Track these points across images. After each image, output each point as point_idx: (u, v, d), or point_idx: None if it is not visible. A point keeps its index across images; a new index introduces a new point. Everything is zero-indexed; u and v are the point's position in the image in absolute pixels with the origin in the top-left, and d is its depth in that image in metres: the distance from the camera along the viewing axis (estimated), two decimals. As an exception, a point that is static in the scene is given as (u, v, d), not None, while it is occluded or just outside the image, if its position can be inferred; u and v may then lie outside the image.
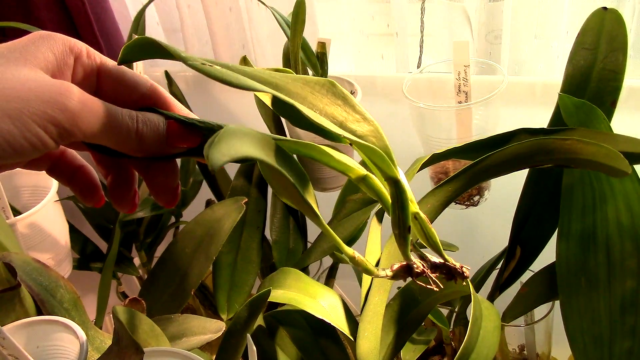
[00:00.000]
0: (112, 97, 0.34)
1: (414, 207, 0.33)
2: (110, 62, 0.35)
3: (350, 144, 0.33)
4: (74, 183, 0.37)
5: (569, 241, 0.50)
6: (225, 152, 0.23)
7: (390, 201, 0.32)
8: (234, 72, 0.30)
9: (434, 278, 0.33)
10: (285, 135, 0.73)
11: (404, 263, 0.33)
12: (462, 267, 0.34)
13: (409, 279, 0.35)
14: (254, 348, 0.29)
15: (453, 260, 0.34)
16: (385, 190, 0.33)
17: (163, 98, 0.35)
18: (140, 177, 0.37)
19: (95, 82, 0.34)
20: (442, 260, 0.34)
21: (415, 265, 0.33)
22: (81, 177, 0.37)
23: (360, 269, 0.33)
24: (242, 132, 0.25)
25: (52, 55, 0.32)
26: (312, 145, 0.31)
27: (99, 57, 0.34)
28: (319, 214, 0.29)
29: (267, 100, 0.38)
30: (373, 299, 0.48)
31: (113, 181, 0.36)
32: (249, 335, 0.31)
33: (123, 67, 0.35)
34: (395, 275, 0.33)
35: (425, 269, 0.33)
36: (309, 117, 0.30)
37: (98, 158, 0.37)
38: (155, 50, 0.31)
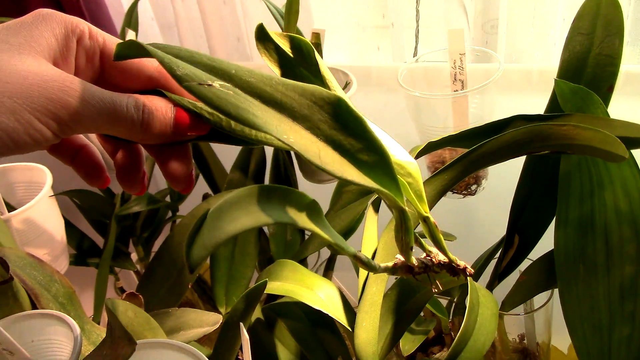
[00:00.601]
0: (117, 80, 0.33)
1: (425, 208, 0.33)
2: (115, 42, 0.34)
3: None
4: (77, 163, 0.36)
5: (567, 228, 0.49)
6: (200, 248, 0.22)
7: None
8: (236, 95, 0.28)
9: (433, 280, 0.33)
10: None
11: (404, 261, 0.34)
12: (465, 267, 0.34)
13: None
14: (247, 337, 0.29)
15: (457, 259, 0.34)
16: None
17: (170, 80, 0.34)
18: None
19: (99, 64, 0.34)
20: (446, 260, 0.34)
21: (416, 267, 0.33)
22: (84, 157, 0.36)
23: (362, 266, 0.33)
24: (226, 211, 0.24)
25: (54, 40, 0.31)
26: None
27: (102, 37, 0.33)
28: (323, 234, 0.29)
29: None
30: (370, 289, 0.48)
31: (121, 161, 0.36)
32: (241, 324, 0.30)
33: None
34: (395, 272, 0.33)
35: (426, 268, 0.33)
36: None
37: (104, 136, 0.36)
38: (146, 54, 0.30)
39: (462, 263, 0.35)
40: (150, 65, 0.34)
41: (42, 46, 0.31)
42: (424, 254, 0.36)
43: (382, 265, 0.34)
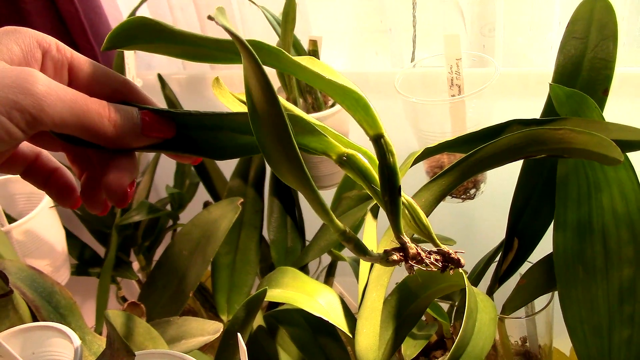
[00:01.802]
0: (84, 92, 0.33)
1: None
2: (82, 57, 0.34)
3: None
4: (49, 186, 0.36)
5: (566, 231, 0.49)
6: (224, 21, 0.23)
7: (375, 175, 0.31)
8: None
9: (430, 260, 0.31)
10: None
11: (398, 246, 0.32)
12: (455, 252, 0.33)
13: (404, 263, 0.32)
14: (244, 347, 0.29)
15: (446, 247, 0.32)
16: (369, 166, 0.31)
17: (136, 93, 0.35)
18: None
19: (67, 76, 0.34)
20: (445, 249, 0.32)
21: (409, 245, 0.31)
22: (57, 180, 0.36)
23: (351, 248, 0.31)
24: None
25: (17, 48, 0.31)
26: (298, 117, 0.30)
27: (70, 52, 0.34)
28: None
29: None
30: (370, 295, 0.48)
31: (86, 181, 0.36)
32: (239, 335, 0.31)
33: (94, 62, 0.34)
34: (389, 257, 0.31)
35: (419, 251, 0.31)
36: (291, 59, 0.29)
37: (72, 157, 0.36)
38: (149, 31, 0.30)
39: (450, 250, 0.33)
40: (115, 78, 0.34)
41: (3, 52, 0.30)
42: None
43: (375, 252, 0.33)
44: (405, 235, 0.31)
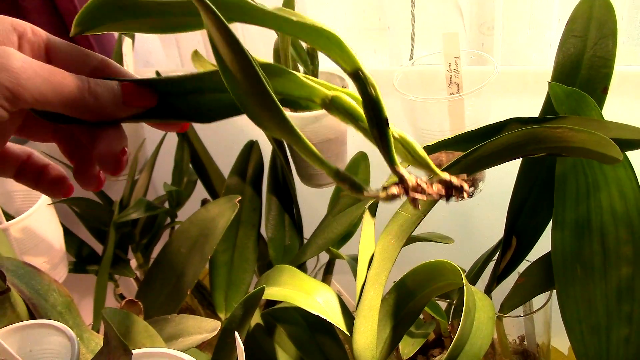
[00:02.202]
0: None
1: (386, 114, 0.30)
2: (59, 39, 0.34)
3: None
4: (41, 182, 0.36)
5: (564, 230, 0.49)
6: None
7: (361, 112, 0.30)
8: None
9: (432, 189, 0.29)
10: (282, 144, 0.73)
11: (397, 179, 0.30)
12: (458, 178, 0.30)
13: (405, 198, 0.30)
14: (242, 346, 0.29)
15: (446, 174, 0.30)
16: (355, 104, 0.31)
17: (116, 69, 0.34)
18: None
19: (45, 59, 0.33)
20: (446, 177, 0.30)
21: (407, 178, 0.29)
22: (48, 174, 0.36)
23: (347, 188, 0.30)
24: None
25: None
26: (275, 66, 0.29)
27: (45, 34, 0.33)
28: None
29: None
30: (368, 293, 0.48)
31: (78, 162, 0.36)
32: (236, 333, 0.30)
33: (72, 43, 0.34)
34: (389, 192, 0.29)
35: (419, 183, 0.29)
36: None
37: (64, 147, 0.36)
38: (113, 8, 0.30)
39: (454, 178, 0.30)
40: (93, 57, 0.34)
41: None
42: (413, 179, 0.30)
43: (372, 188, 0.30)
44: (401, 167, 0.29)
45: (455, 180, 0.30)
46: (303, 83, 0.30)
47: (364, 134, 0.31)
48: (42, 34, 0.33)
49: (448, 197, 0.30)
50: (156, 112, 0.33)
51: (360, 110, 0.30)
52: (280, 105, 0.27)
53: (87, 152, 0.36)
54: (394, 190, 0.29)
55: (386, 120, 0.29)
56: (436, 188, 0.29)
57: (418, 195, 0.29)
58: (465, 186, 0.30)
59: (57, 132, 0.36)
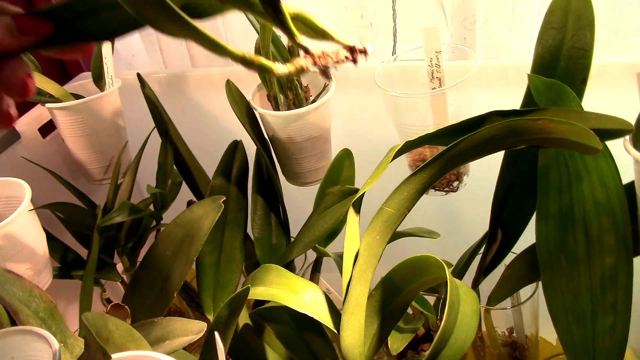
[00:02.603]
0: None
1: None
2: None
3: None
4: None
5: (548, 221, 0.50)
6: None
7: None
8: None
9: (338, 56, 0.29)
10: (262, 134, 0.72)
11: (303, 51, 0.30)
12: (361, 42, 0.30)
13: (314, 70, 0.30)
14: (222, 346, 0.29)
15: (350, 40, 0.30)
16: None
17: (8, 9, 0.33)
18: None
19: None
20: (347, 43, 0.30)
21: (311, 49, 0.29)
22: None
23: (252, 68, 0.30)
24: None
25: None
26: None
27: None
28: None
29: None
30: (354, 290, 0.48)
31: None
32: (216, 333, 0.30)
33: None
34: (297, 63, 0.29)
35: (324, 52, 0.30)
36: None
37: None
38: None
39: (357, 42, 0.30)
40: None
41: None
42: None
43: (282, 65, 0.30)
44: (301, 39, 0.30)
45: (358, 44, 0.30)
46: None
47: (261, 17, 0.31)
48: None
49: (355, 60, 0.30)
50: (56, 38, 0.33)
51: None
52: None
53: None
54: (302, 62, 0.29)
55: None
56: (342, 54, 0.30)
57: (325, 64, 0.30)
58: (369, 48, 0.30)
59: None
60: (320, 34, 0.32)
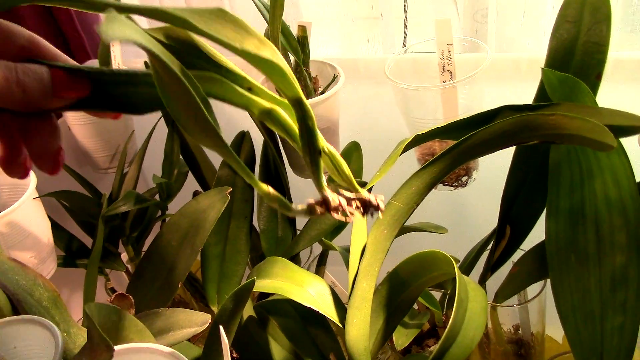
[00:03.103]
0: None
1: (321, 142, 0.31)
2: None
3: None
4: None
5: (558, 218, 0.49)
6: (117, 32, 0.21)
7: (297, 131, 0.31)
8: None
9: (349, 210, 0.32)
10: (274, 135, 0.72)
11: (320, 199, 0.32)
12: (376, 197, 0.33)
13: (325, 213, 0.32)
14: (226, 341, 0.28)
15: (366, 193, 0.33)
16: (291, 121, 0.32)
17: (45, 49, 0.32)
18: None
19: None
20: (354, 195, 0.32)
21: (331, 199, 0.31)
22: None
23: (278, 207, 0.31)
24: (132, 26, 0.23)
25: None
26: (214, 76, 0.29)
27: None
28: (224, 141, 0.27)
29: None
30: (361, 284, 0.47)
31: (6, 148, 0.33)
32: (221, 327, 0.30)
33: None
34: (311, 210, 0.31)
35: (340, 203, 0.32)
36: (206, 31, 0.27)
37: None
38: None
39: (372, 196, 0.33)
40: (21, 34, 0.32)
41: None
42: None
43: (298, 206, 0.32)
44: (327, 190, 0.31)
45: (373, 199, 0.32)
46: (242, 94, 0.30)
47: (298, 149, 0.32)
48: None
49: (365, 213, 0.33)
50: (89, 101, 0.31)
51: (295, 128, 0.31)
52: (216, 127, 0.27)
53: (17, 141, 0.33)
54: (318, 210, 0.32)
55: (319, 151, 0.31)
56: (355, 207, 0.32)
57: (337, 216, 0.32)
58: (382, 205, 0.33)
59: None
60: (343, 178, 0.34)
